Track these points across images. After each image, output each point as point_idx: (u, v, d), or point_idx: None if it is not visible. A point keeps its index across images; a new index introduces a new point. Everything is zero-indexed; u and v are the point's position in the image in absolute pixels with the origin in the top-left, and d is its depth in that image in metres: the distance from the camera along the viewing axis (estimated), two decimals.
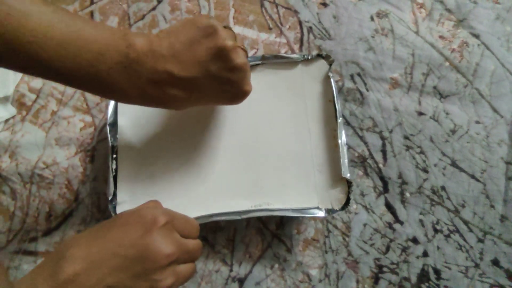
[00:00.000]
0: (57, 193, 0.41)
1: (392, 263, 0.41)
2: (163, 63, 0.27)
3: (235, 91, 0.31)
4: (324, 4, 0.48)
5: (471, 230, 0.42)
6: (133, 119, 0.39)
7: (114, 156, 0.37)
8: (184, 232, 0.29)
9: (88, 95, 0.44)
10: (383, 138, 0.44)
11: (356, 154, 0.44)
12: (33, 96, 0.43)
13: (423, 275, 0.41)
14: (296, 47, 0.46)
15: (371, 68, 0.46)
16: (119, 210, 0.36)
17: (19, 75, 0.44)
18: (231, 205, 0.37)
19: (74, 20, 0.25)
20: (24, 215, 0.40)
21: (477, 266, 0.41)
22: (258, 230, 0.41)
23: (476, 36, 0.47)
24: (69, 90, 0.44)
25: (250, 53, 0.46)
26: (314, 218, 0.42)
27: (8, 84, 0.42)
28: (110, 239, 0.26)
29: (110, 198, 0.36)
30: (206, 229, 0.41)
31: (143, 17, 0.46)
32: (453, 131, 0.44)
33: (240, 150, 0.39)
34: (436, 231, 0.42)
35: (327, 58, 0.40)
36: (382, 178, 0.43)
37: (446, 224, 0.42)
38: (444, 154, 0.44)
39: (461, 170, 0.43)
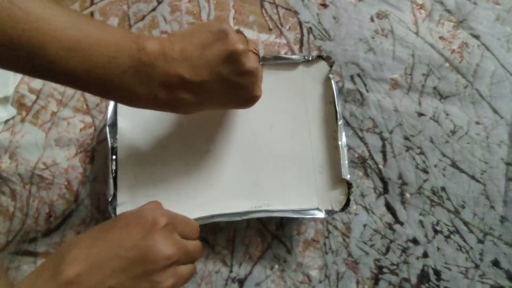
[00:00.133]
0: (57, 194, 0.41)
1: (392, 264, 0.41)
2: (175, 67, 0.27)
3: (245, 96, 0.31)
4: (324, 5, 0.48)
5: (471, 231, 0.42)
6: (133, 120, 0.39)
7: (114, 157, 0.37)
8: (184, 233, 0.29)
9: (88, 96, 0.44)
10: (383, 139, 0.44)
11: (356, 155, 0.44)
12: (33, 97, 0.43)
13: (423, 276, 0.41)
14: (296, 47, 0.46)
15: (371, 69, 0.46)
16: (119, 211, 0.36)
17: (19, 75, 0.43)
18: (231, 206, 0.37)
19: (87, 24, 0.25)
20: (24, 215, 0.40)
21: (477, 267, 0.41)
22: (258, 231, 0.41)
23: (476, 37, 0.47)
24: (69, 90, 0.44)
25: None
26: (314, 219, 0.42)
27: (8, 84, 0.42)
28: (111, 240, 0.26)
29: (110, 199, 0.36)
30: (206, 230, 0.41)
31: (143, 18, 0.46)
32: (453, 132, 0.44)
33: (240, 151, 0.39)
34: (436, 232, 0.42)
35: (327, 59, 0.40)
36: (382, 179, 0.43)
37: (446, 225, 0.42)
38: (444, 155, 0.44)
39: (461, 171, 0.43)
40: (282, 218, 0.42)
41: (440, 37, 0.47)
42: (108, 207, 0.36)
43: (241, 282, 0.40)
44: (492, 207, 0.43)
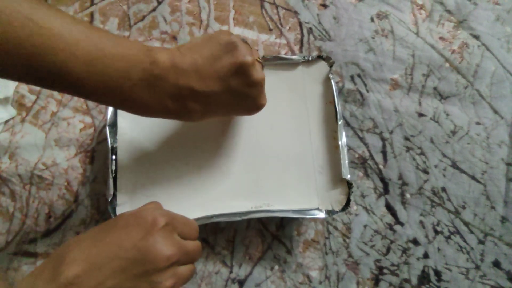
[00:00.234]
0: (57, 194, 0.41)
1: (393, 265, 0.41)
2: (185, 78, 0.28)
3: (252, 105, 0.32)
4: (324, 5, 0.48)
5: (471, 232, 0.42)
6: (133, 120, 0.39)
7: (114, 157, 0.37)
8: (184, 234, 0.29)
9: None
10: (383, 139, 0.44)
11: (357, 155, 0.44)
12: (33, 97, 0.43)
13: (423, 277, 0.41)
14: (296, 48, 0.46)
15: (371, 69, 0.45)
16: (118, 211, 0.36)
17: None
18: (231, 206, 0.37)
19: (100, 38, 0.26)
20: (24, 216, 0.40)
21: (477, 267, 0.41)
22: (258, 231, 0.41)
23: (476, 37, 0.47)
24: None
25: None
26: (314, 220, 0.42)
27: (8, 85, 0.42)
28: (111, 241, 0.26)
29: (109, 199, 0.36)
30: (206, 230, 0.41)
31: (143, 18, 0.46)
32: (454, 132, 0.44)
33: (240, 151, 0.39)
34: (436, 232, 0.42)
35: (327, 59, 0.40)
36: (382, 179, 0.43)
37: (447, 225, 0.42)
38: (444, 155, 0.44)
39: (462, 171, 0.43)
40: (282, 219, 0.41)
41: (440, 38, 0.47)
42: (108, 208, 0.36)
43: (241, 282, 0.40)
44: (492, 207, 0.42)
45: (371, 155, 0.44)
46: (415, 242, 0.42)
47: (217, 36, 0.29)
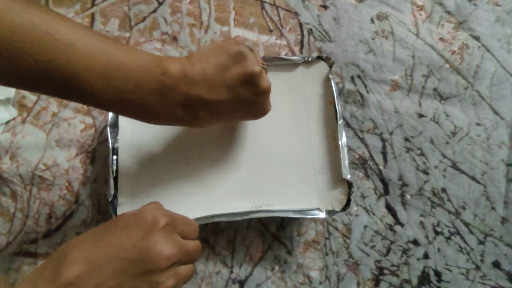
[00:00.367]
0: (58, 195, 0.41)
1: (393, 265, 0.41)
2: (195, 88, 0.28)
3: (257, 111, 0.33)
4: (324, 7, 0.48)
5: (471, 232, 0.42)
6: (133, 121, 0.39)
7: (115, 157, 0.37)
8: (184, 234, 0.29)
9: None
10: (383, 140, 0.44)
11: (357, 156, 0.44)
12: (34, 98, 0.43)
13: (423, 277, 0.41)
14: (296, 49, 0.46)
15: (372, 70, 0.46)
16: (119, 211, 0.36)
17: None
18: (232, 206, 0.37)
19: (114, 49, 0.26)
20: (25, 216, 0.40)
21: (478, 268, 0.41)
22: (258, 232, 0.41)
23: (476, 38, 0.47)
24: None
25: None
26: (315, 220, 0.42)
27: None
28: (111, 241, 0.26)
29: (110, 200, 0.36)
30: (207, 231, 0.41)
31: (144, 19, 0.46)
32: (454, 133, 0.44)
33: (240, 151, 0.39)
34: (436, 233, 0.42)
35: (327, 60, 0.40)
36: (382, 180, 0.43)
37: (447, 226, 0.42)
38: (444, 156, 0.44)
39: (462, 172, 0.43)
40: (282, 219, 0.42)
41: (440, 39, 0.47)
42: (109, 208, 0.36)
43: (241, 283, 0.40)
44: (492, 208, 0.43)
45: (371, 155, 0.44)
46: (415, 242, 0.42)
47: (225, 46, 0.30)
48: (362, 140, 0.44)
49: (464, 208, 0.43)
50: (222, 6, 0.47)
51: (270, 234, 0.41)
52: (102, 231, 0.27)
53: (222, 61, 0.29)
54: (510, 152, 0.44)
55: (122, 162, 0.38)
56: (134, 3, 0.47)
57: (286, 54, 0.46)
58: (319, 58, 0.41)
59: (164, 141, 0.39)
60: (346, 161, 0.38)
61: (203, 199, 0.38)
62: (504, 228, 0.42)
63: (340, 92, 0.45)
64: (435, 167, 0.43)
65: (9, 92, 0.42)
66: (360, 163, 0.43)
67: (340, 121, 0.38)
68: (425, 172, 0.43)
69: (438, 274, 0.41)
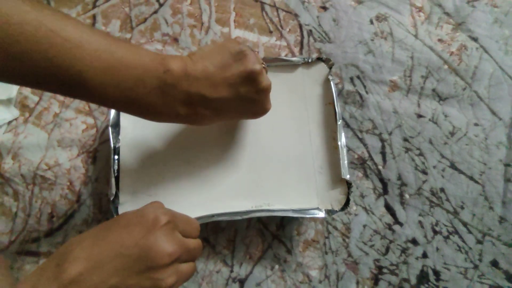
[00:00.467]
0: (59, 194, 0.41)
1: (392, 264, 0.41)
2: (196, 86, 0.29)
3: (258, 109, 0.33)
4: (324, 8, 0.48)
5: (470, 232, 0.42)
6: (135, 121, 0.39)
7: (116, 157, 0.38)
8: (185, 232, 0.30)
9: None
10: (382, 140, 0.44)
11: (356, 156, 0.44)
12: (36, 98, 0.44)
13: (422, 276, 0.41)
14: (296, 50, 0.47)
15: (371, 71, 0.46)
16: (121, 210, 0.37)
17: None
18: (232, 205, 0.38)
19: (117, 47, 0.27)
20: (27, 216, 0.41)
21: (476, 267, 0.41)
22: (258, 231, 0.42)
23: (475, 39, 0.47)
24: None
25: None
26: (314, 219, 0.42)
27: (11, 86, 0.42)
28: (113, 239, 0.26)
29: (112, 199, 0.36)
30: (207, 230, 0.41)
31: (145, 20, 0.47)
32: (452, 133, 0.45)
33: (241, 151, 0.39)
34: (435, 232, 0.42)
35: (327, 61, 0.41)
36: (381, 180, 0.43)
37: (445, 225, 0.42)
38: (443, 156, 0.44)
39: (460, 172, 0.44)
40: (282, 219, 0.42)
41: (439, 40, 0.47)
42: (110, 207, 0.36)
43: (241, 282, 0.40)
44: (491, 207, 0.43)
45: (370, 155, 0.44)
46: (414, 242, 0.42)
47: (227, 45, 0.31)
48: (361, 140, 0.44)
49: (462, 207, 0.43)
50: (222, 7, 0.48)
51: (270, 233, 0.42)
52: (104, 230, 0.27)
53: (223, 60, 0.30)
54: (508, 152, 0.44)
55: (123, 162, 0.38)
56: (135, 4, 0.47)
57: (286, 55, 0.46)
58: (319, 59, 0.41)
59: (165, 141, 0.39)
60: (346, 161, 0.38)
61: (203, 198, 0.38)
62: (502, 228, 0.42)
63: (340, 92, 0.45)
64: (434, 167, 0.44)
65: (10, 92, 0.42)
66: (359, 163, 0.44)
67: (340, 122, 0.39)
68: (424, 172, 0.44)
69: (436, 273, 0.41)
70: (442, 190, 0.43)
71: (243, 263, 0.41)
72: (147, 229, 0.27)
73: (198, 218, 0.36)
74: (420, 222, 0.42)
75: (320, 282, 0.41)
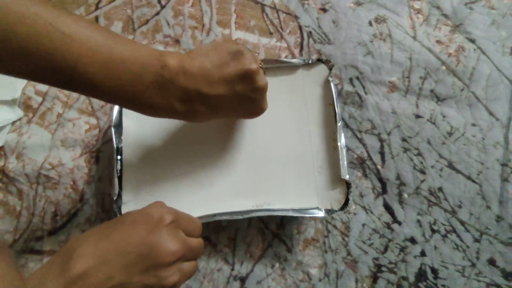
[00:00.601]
0: (63, 193, 0.42)
1: (391, 263, 0.42)
2: (193, 82, 0.29)
3: (254, 109, 0.34)
4: (324, 10, 0.49)
5: (467, 230, 0.43)
6: (137, 121, 0.40)
7: (119, 157, 0.38)
8: (188, 231, 0.30)
9: (93, 98, 0.45)
10: (381, 140, 0.45)
11: (355, 156, 0.45)
12: (39, 99, 0.44)
13: (420, 274, 0.42)
14: (296, 51, 0.47)
15: (370, 72, 0.47)
16: (124, 209, 0.37)
17: None
18: (233, 205, 0.38)
19: (116, 42, 0.27)
20: (31, 214, 0.41)
21: (473, 265, 0.42)
22: (259, 230, 0.42)
23: (472, 41, 0.48)
24: (74, 93, 0.45)
25: None
26: (314, 218, 0.43)
27: (16, 87, 0.43)
28: (118, 237, 0.27)
29: (115, 198, 0.36)
30: (209, 229, 0.42)
31: (147, 22, 0.47)
32: (450, 134, 0.45)
33: (242, 152, 0.40)
34: (433, 231, 0.43)
35: (327, 62, 0.41)
36: (380, 180, 0.44)
37: (443, 224, 0.43)
38: (441, 156, 0.45)
39: (458, 171, 0.44)
40: (282, 218, 0.42)
41: (437, 41, 0.48)
42: (113, 206, 0.36)
43: (242, 280, 0.41)
44: (488, 207, 0.44)
45: (369, 155, 0.45)
46: (413, 240, 0.43)
47: (225, 44, 0.31)
48: (360, 140, 0.45)
49: (460, 206, 0.44)
50: (223, 9, 0.48)
51: (270, 232, 0.42)
52: (109, 228, 0.28)
53: (221, 58, 0.30)
54: (505, 152, 0.45)
55: (126, 162, 0.39)
56: (137, 6, 0.48)
57: (286, 56, 0.47)
58: (319, 60, 0.41)
59: (167, 141, 0.40)
60: (345, 162, 0.39)
61: (205, 198, 0.39)
62: (499, 226, 0.43)
63: (339, 93, 0.46)
64: (432, 166, 0.44)
65: (14, 93, 0.43)
66: (359, 163, 0.44)
67: (339, 123, 0.39)
68: (422, 172, 0.44)
69: (434, 271, 0.42)
70: (440, 189, 0.44)
71: (244, 262, 0.41)
72: (152, 227, 0.27)
73: (200, 218, 0.37)
74: (418, 221, 0.43)
75: (320, 280, 0.41)
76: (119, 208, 0.37)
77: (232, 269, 0.41)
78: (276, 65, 0.41)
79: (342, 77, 0.47)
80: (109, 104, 0.44)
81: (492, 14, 0.49)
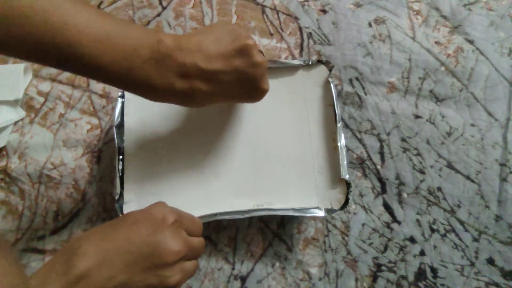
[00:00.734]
0: (65, 193, 0.42)
1: (390, 262, 0.42)
2: (191, 57, 0.29)
3: (254, 88, 0.33)
4: (324, 11, 0.49)
5: (466, 230, 0.43)
6: (139, 121, 0.40)
7: (121, 157, 0.39)
8: (189, 231, 0.31)
9: (95, 98, 0.45)
10: (381, 141, 0.45)
11: (355, 156, 0.45)
12: (42, 99, 0.45)
13: (420, 274, 0.42)
14: (296, 52, 0.48)
15: (369, 73, 0.47)
16: (125, 209, 0.38)
17: (28, 78, 0.45)
18: (234, 204, 0.38)
19: (109, 19, 0.27)
20: (32, 214, 0.41)
21: (472, 264, 0.42)
22: (259, 229, 0.42)
23: (471, 42, 0.48)
24: (77, 93, 0.45)
25: None
26: (314, 218, 0.43)
27: (18, 87, 0.43)
28: (121, 236, 0.27)
29: (116, 198, 0.37)
30: (209, 228, 0.42)
31: (148, 23, 0.48)
32: (449, 134, 0.46)
33: (243, 152, 0.40)
34: (432, 230, 0.43)
35: (327, 64, 0.42)
36: (380, 179, 0.44)
37: (443, 224, 0.43)
38: (440, 156, 0.45)
39: (457, 171, 0.45)
40: (283, 217, 0.43)
41: (436, 42, 0.48)
42: (115, 206, 0.37)
43: (243, 279, 0.41)
44: (487, 206, 0.44)
45: (369, 155, 0.45)
46: (412, 240, 0.43)
47: (220, 24, 0.32)
48: (360, 140, 0.45)
49: (459, 206, 0.44)
50: (224, 10, 0.48)
51: (271, 232, 0.43)
52: (112, 227, 0.28)
53: (217, 35, 0.31)
54: (504, 152, 0.45)
55: (127, 162, 0.39)
56: (138, 7, 0.48)
57: (286, 57, 0.47)
58: (319, 61, 0.42)
59: (169, 141, 0.40)
60: (345, 162, 0.39)
61: (206, 197, 0.39)
62: (498, 226, 0.43)
63: (339, 94, 0.46)
64: (431, 166, 0.45)
65: (17, 93, 0.43)
66: (358, 163, 0.45)
67: (339, 124, 0.39)
68: (421, 172, 0.45)
69: (434, 270, 0.42)
70: (439, 189, 0.44)
71: (244, 261, 0.42)
72: (155, 227, 0.27)
73: (201, 217, 0.37)
74: (417, 220, 0.43)
75: (320, 279, 0.41)
76: (121, 207, 0.37)
77: (233, 268, 0.41)
78: (276, 66, 0.42)
79: (342, 77, 0.47)
80: (110, 104, 0.45)
81: (491, 15, 0.49)
